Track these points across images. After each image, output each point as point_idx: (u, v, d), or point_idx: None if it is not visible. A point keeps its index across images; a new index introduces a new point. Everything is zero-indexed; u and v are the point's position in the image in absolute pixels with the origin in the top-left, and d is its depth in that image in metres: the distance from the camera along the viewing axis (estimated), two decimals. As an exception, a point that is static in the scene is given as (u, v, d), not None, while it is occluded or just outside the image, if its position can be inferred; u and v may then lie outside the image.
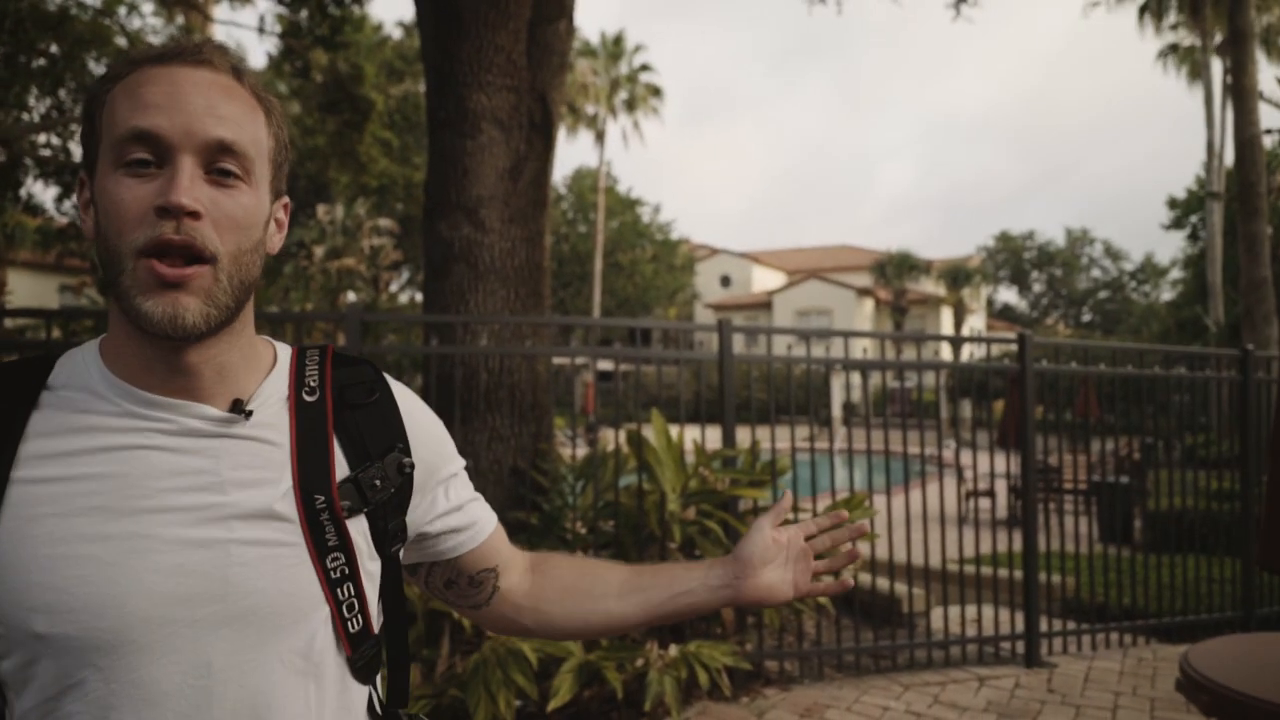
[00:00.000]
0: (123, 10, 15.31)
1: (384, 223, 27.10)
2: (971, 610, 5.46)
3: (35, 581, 0.76)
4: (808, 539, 1.16)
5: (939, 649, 4.83)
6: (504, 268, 4.74)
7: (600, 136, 35.73)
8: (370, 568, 0.91)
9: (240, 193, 0.84)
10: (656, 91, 36.00)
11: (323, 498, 0.87)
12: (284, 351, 0.95)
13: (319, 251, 25.61)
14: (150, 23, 16.28)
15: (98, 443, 0.81)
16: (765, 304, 39.77)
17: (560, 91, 5.13)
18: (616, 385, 4.47)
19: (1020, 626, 4.96)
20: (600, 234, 35.54)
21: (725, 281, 45.56)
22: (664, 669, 3.81)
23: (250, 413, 0.87)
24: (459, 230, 4.70)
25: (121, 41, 15.13)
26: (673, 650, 3.88)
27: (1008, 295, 64.71)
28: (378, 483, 0.92)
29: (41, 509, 0.78)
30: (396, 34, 28.97)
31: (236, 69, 0.87)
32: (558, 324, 4.69)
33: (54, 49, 14.32)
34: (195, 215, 0.80)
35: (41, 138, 15.60)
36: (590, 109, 34.67)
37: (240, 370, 0.89)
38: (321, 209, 26.25)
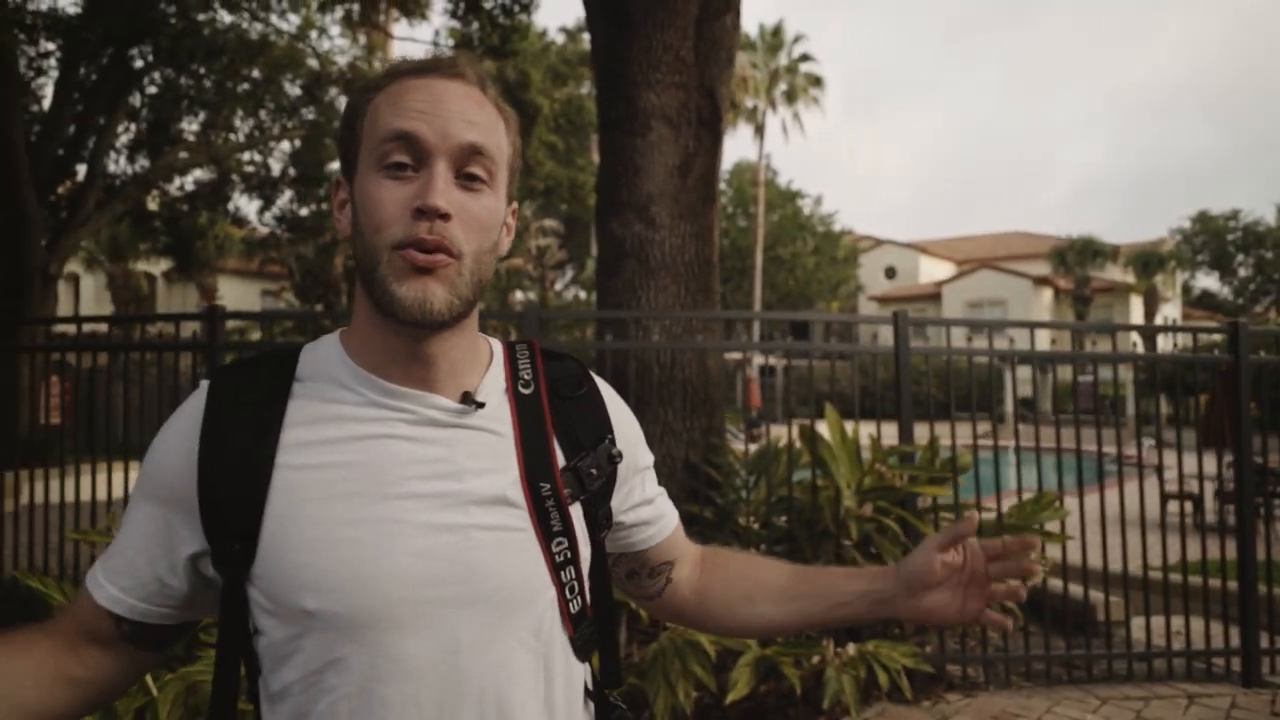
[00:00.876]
0: (314, 34, 16.47)
1: (549, 223, 27.94)
2: (1176, 621, 5.05)
3: (303, 562, 0.82)
4: (991, 559, 1.04)
5: (1140, 661, 4.50)
6: (674, 263, 4.78)
7: (760, 130, 35.42)
8: (585, 552, 0.95)
9: (484, 196, 0.89)
10: (817, 81, 35.33)
11: (548, 485, 0.92)
12: (497, 346, 1.01)
13: (489, 253, 26.64)
14: (338, 44, 17.41)
15: (348, 431, 0.87)
16: (933, 295, 38.28)
17: (727, 86, 5.12)
18: (778, 381, 4.42)
19: (1235, 641, 4.56)
20: (760, 228, 35.24)
21: (890, 273, 44.18)
22: (842, 667, 3.74)
23: (483, 404, 0.92)
24: (630, 228, 4.78)
25: (313, 63, 16.29)
26: (851, 649, 3.81)
27: (1207, 281, 59.32)
28: (594, 471, 0.97)
29: (304, 493, 0.84)
30: (560, 39, 29.78)
31: (483, 81, 0.93)
32: (728, 318, 4.69)
33: (255, 74, 15.55)
34: (446, 217, 0.85)
35: (245, 155, 17.03)
36: (749, 102, 34.43)
37: (467, 363, 0.94)
38: (491, 212, 27.28)
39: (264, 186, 17.37)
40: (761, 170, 36.01)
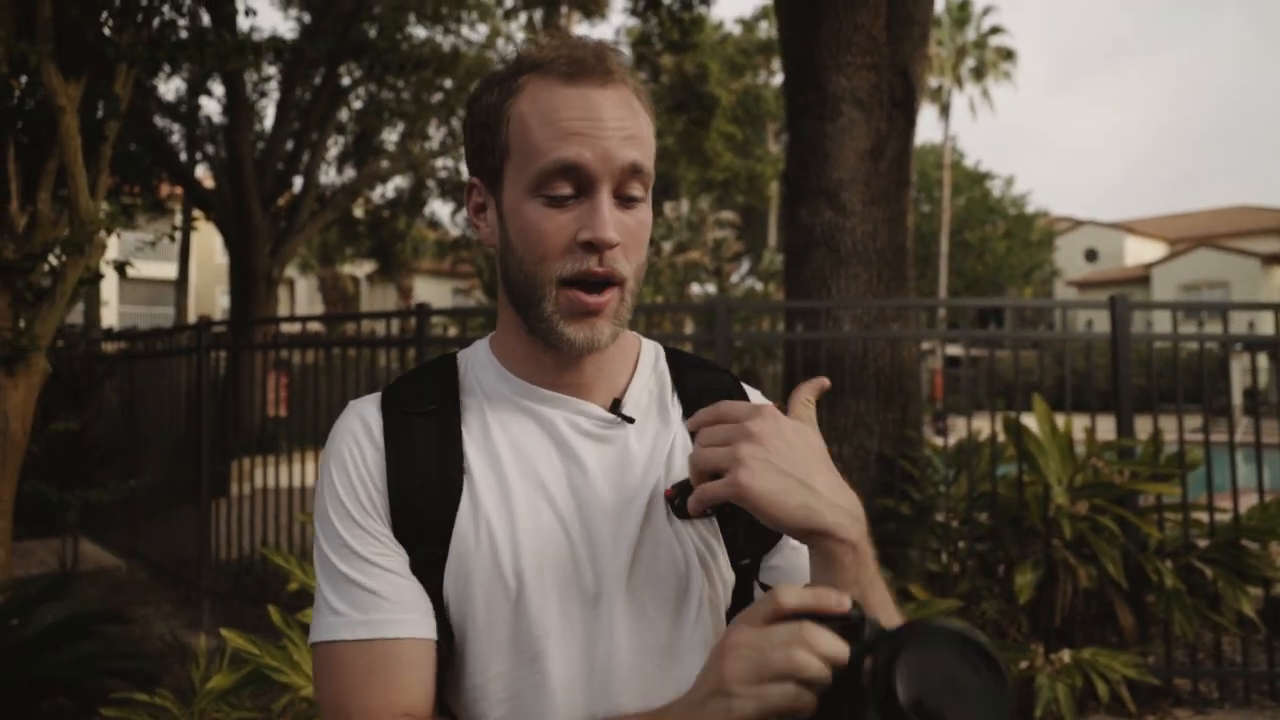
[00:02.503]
0: (501, 41, 17.18)
1: (726, 215, 27.89)
2: None
3: (480, 567, 0.85)
4: None
5: None
6: (866, 251, 4.64)
7: (945, 110, 33.89)
8: (726, 576, 0.91)
9: (641, 210, 0.88)
10: (1009, 55, 33.39)
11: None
12: (646, 346, 1.00)
13: (667, 247, 26.99)
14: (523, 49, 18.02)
15: (508, 439, 0.89)
16: (1141, 279, 35.30)
17: (922, 64, 4.91)
18: (964, 373, 4.20)
19: None
20: (946, 212, 33.72)
21: (1091, 256, 41.14)
22: (1055, 674, 3.51)
23: (632, 420, 0.92)
24: (820, 215, 4.68)
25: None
26: (1066, 655, 3.57)
27: None
28: None
29: (481, 498, 0.86)
30: (736, 30, 29.64)
31: (629, 76, 0.88)
32: (924, 306, 4.51)
33: (448, 84, 16.44)
34: (612, 248, 0.84)
35: (439, 162, 18.04)
36: (934, 81, 32.99)
37: (615, 365, 0.94)
38: (668, 206, 27.65)
39: (456, 191, 18.32)
40: (947, 152, 34.43)
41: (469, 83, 16.51)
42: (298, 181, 13.99)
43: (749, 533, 0.91)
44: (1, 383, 3.50)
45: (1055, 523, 3.85)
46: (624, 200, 0.86)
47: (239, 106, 12.37)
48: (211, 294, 30.47)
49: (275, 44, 5.06)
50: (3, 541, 3.59)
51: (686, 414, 0.95)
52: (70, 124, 3.41)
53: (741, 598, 0.92)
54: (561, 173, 0.82)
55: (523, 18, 16.74)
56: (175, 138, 13.69)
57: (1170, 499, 4.06)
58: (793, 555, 0.92)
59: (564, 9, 17.08)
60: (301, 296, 32.54)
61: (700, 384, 0.98)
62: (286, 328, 6.27)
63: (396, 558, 0.85)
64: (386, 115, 15.45)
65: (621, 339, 0.95)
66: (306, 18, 13.30)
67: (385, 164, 16.64)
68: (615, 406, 0.92)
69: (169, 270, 26.76)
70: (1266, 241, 33.71)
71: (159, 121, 12.73)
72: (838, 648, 0.64)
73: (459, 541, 0.85)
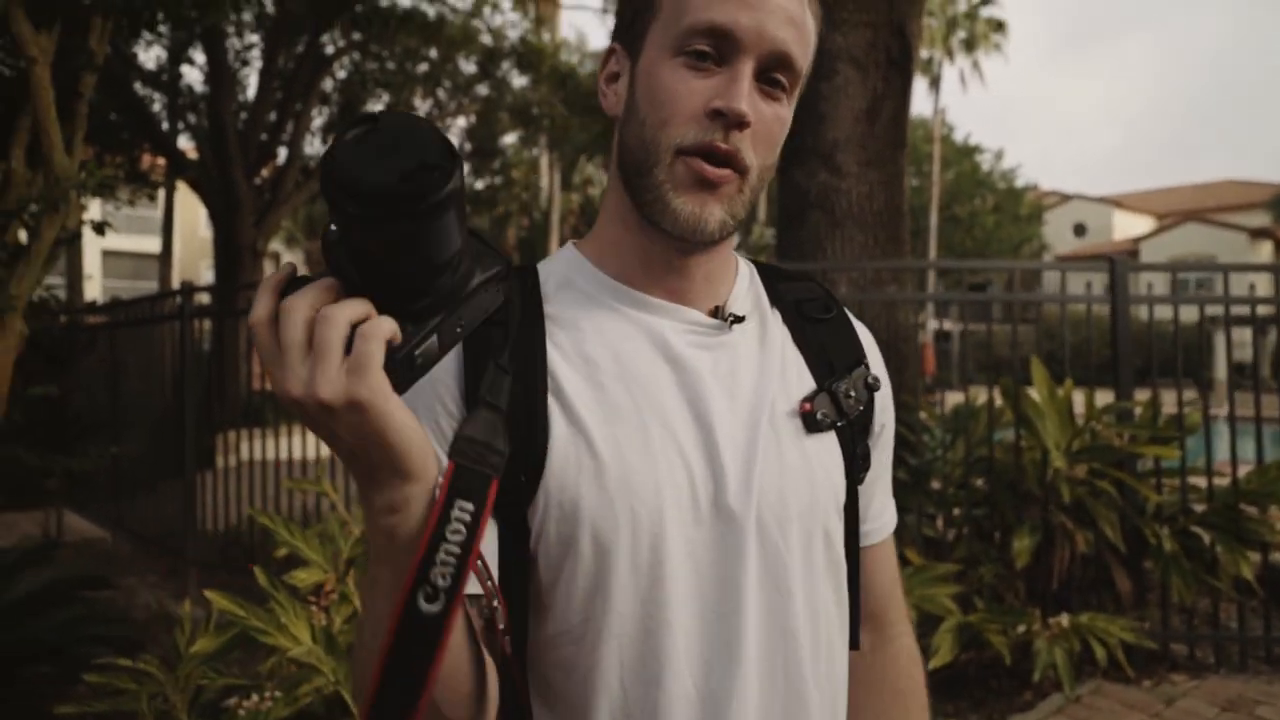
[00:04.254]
0: (488, 9, 16.94)
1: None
2: None
3: (584, 494, 0.76)
4: None
5: (1406, 648, 3.96)
6: (862, 213, 4.57)
7: (935, 82, 33.74)
8: (841, 497, 0.85)
9: (781, 106, 0.80)
10: (999, 26, 33.22)
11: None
12: (742, 262, 0.92)
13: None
14: (509, 17, 17.91)
15: (605, 349, 0.80)
16: (1129, 253, 35.35)
17: (918, 22, 4.82)
18: (953, 346, 4.14)
19: None
20: (936, 186, 33.66)
21: (1079, 230, 41.22)
22: (1053, 639, 3.49)
23: (741, 318, 0.84)
24: (815, 177, 4.60)
25: (486, 39, 16.80)
26: (1064, 619, 3.54)
27: None
28: (852, 394, 0.86)
29: (577, 417, 0.77)
30: None
31: None
32: (919, 268, 4.44)
33: (433, 53, 16.21)
34: (746, 125, 0.76)
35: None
36: (924, 53, 32.81)
37: (719, 277, 0.86)
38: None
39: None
40: (937, 125, 34.30)
41: (454, 53, 16.30)
42: (282, 152, 13.80)
43: (863, 452, 0.87)
44: (-24, 345, 3.40)
45: (1053, 487, 3.81)
46: (767, 85, 0.78)
47: (221, 75, 12.17)
48: (195, 268, 30.19)
49: None
50: (-20, 508, 3.49)
51: (786, 322, 0.88)
52: (42, 76, 3.29)
53: (850, 519, 0.86)
54: (708, 34, 0.76)
55: (510, -14, 16.46)
56: (157, 107, 13.46)
57: (1169, 464, 4.03)
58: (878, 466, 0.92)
59: (552, -23, 16.81)
60: (287, 271, 32.26)
61: (795, 293, 0.91)
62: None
63: None
64: (371, 85, 15.21)
65: (728, 255, 0.88)
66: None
67: (370, 135, 16.41)
68: (717, 313, 0.84)
69: (152, 244, 26.51)
70: (1254, 216, 33.82)
71: (140, 90, 12.50)
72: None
73: (556, 465, 0.75)
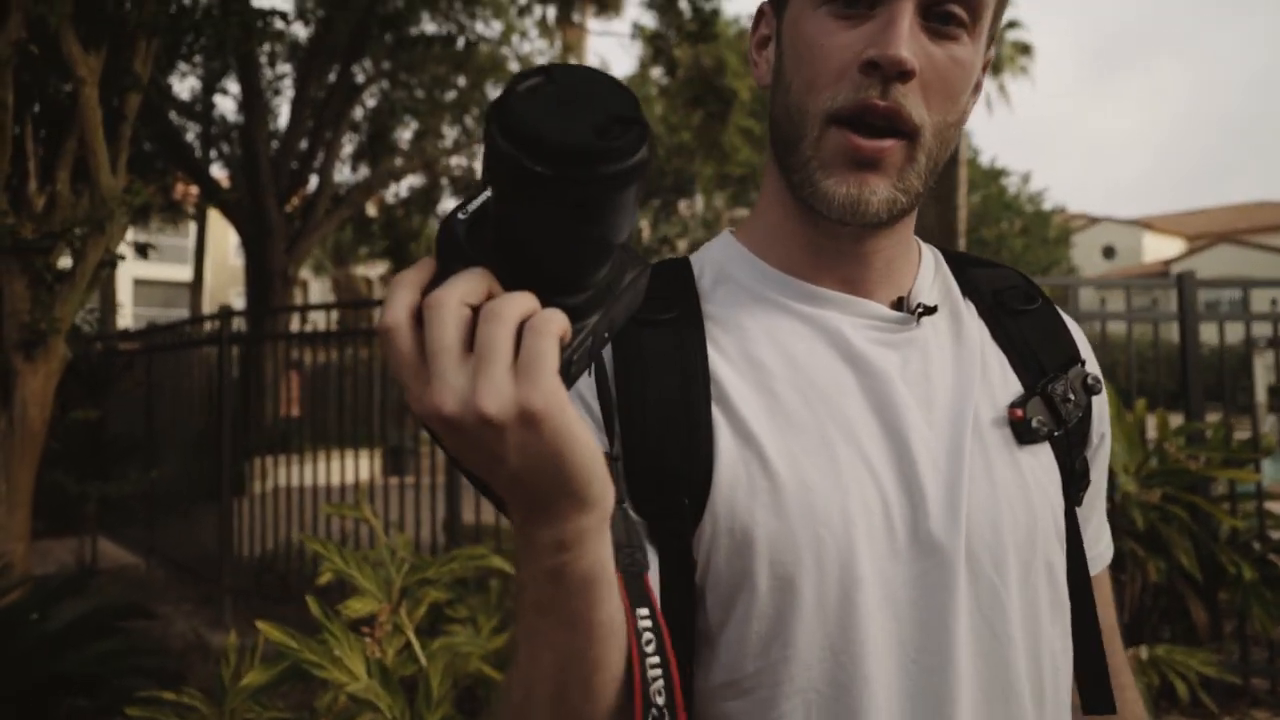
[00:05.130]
0: (516, 37, 17.07)
1: (741, 213, 27.76)
2: None
3: (760, 519, 0.64)
4: None
5: None
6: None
7: (960, 106, 33.62)
8: (1060, 520, 0.72)
9: (960, 47, 0.66)
10: (1025, 50, 33.12)
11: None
12: (925, 248, 0.80)
13: (682, 245, 26.85)
14: (536, 45, 18.06)
15: (775, 350, 0.69)
16: (1159, 275, 34.95)
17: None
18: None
19: None
20: (962, 209, 33.40)
21: (1108, 253, 40.80)
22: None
23: (931, 309, 0.72)
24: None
25: (514, 66, 16.92)
26: (1142, 652, 3.37)
27: None
28: (1070, 397, 0.72)
29: (748, 430, 0.66)
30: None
31: None
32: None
33: (461, 81, 16.36)
34: (908, 75, 0.63)
35: (453, 160, 17.95)
36: (949, 78, 32.75)
37: (901, 263, 0.74)
38: (683, 205, 27.51)
39: (469, 189, 18.22)
40: (964, 148, 34.13)
41: (483, 80, 16.42)
42: (313, 180, 13.91)
43: (1082, 466, 0.73)
44: (19, 369, 3.36)
45: (1124, 512, 3.64)
46: (936, 22, 0.65)
47: (254, 104, 12.29)
48: (226, 296, 30.51)
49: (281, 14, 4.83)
50: (20, 534, 3.44)
51: (982, 315, 0.75)
52: (90, 96, 3.26)
53: (1073, 543, 0.73)
54: None
55: (537, 12, 16.60)
56: (191, 136, 13.62)
57: (1244, 488, 3.86)
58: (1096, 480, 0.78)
59: (578, 4, 16.93)
60: (315, 298, 32.55)
61: (991, 282, 0.78)
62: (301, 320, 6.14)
63: None
64: (400, 113, 15.36)
65: (909, 238, 0.75)
66: (322, 12, 13.25)
67: (399, 162, 16.55)
68: (899, 305, 0.73)
69: (182, 272, 26.81)
70: (1288, 237, 33.30)
71: (175, 120, 12.66)
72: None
73: (725, 485, 0.64)
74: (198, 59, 10.36)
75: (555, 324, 0.44)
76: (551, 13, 17.28)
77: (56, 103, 3.59)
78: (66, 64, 3.17)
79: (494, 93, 17.08)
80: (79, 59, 3.15)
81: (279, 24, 4.40)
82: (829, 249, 0.71)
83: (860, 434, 0.67)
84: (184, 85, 13.41)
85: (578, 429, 0.45)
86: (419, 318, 0.44)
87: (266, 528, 5.30)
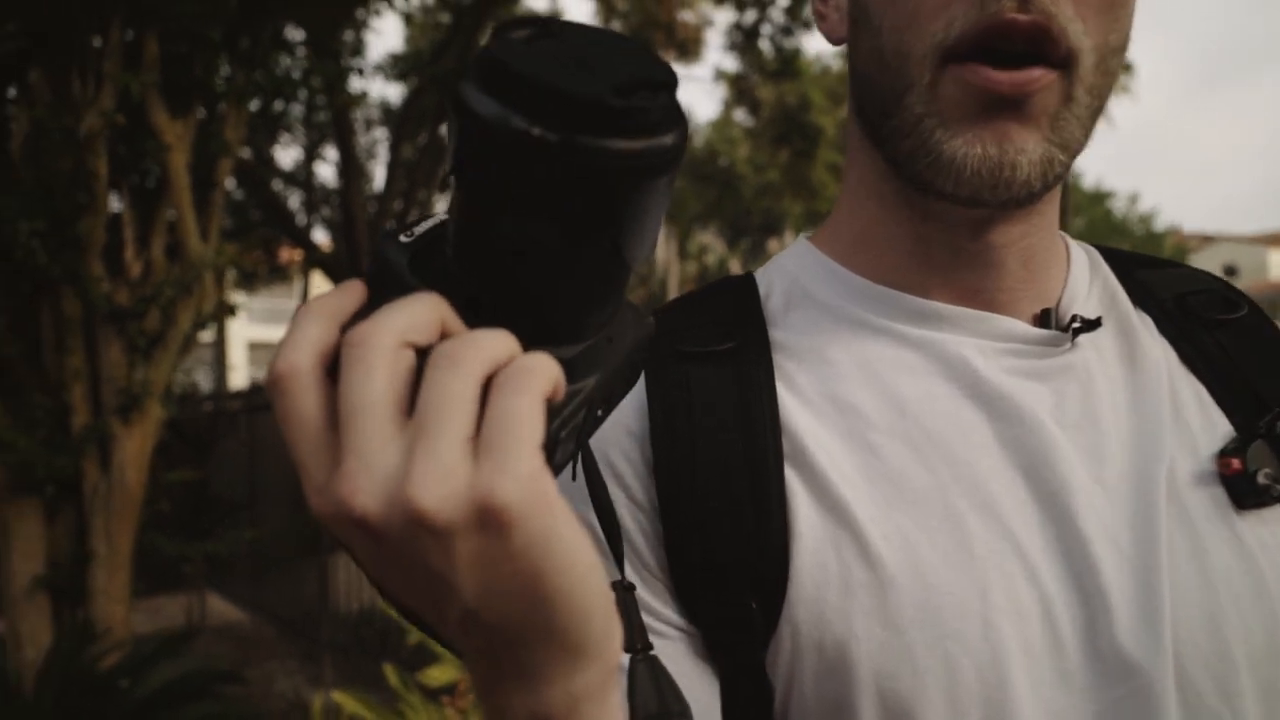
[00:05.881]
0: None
1: (833, 250, 27.52)
2: None
3: (858, 629, 0.48)
4: None
5: None
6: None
7: (1058, 128, 32.64)
8: None
9: None
10: (1127, 68, 31.99)
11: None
12: (1072, 241, 0.60)
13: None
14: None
15: (873, 388, 0.51)
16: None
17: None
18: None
19: None
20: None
21: (1229, 272, 38.59)
22: None
23: (1093, 323, 0.52)
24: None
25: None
26: None
27: None
28: None
29: (836, 501, 0.48)
30: (835, 65, 29.37)
31: None
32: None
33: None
34: None
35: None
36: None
37: (1045, 261, 0.55)
38: (773, 243, 27.35)
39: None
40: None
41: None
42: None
43: None
44: (117, 433, 3.42)
45: None
46: None
47: (351, 168, 12.76)
48: (332, 355, 31.66)
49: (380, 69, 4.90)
50: (120, 596, 3.48)
51: (1163, 331, 0.55)
52: (178, 162, 3.34)
53: None
54: None
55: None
56: (294, 203, 14.25)
57: None
58: None
59: (658, 51, 17.17)
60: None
61: (1171, 285, 0.58)
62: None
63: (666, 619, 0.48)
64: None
65: (1053, 223, 0.56)
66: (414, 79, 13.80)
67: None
68: (1045, 319, 0.54)
69: (292, 334, 27.94)
70: None
71: (278, 188, 13.28)
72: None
73: (807, 579, 0.47)
74: (297, 128, 10.82)
75: (541, 376, 0.29)
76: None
77: (151, 174, 3.70)
78: (152, 130, 3.26)
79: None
80: (165, 126, 3.24)
81: (365, 81, 4.47)
82: (942, 248, 0.53)
83: (1002, 503, 0.49)
84: (287, 155, 14.04)
85: (569, 536, 0.29)
86: (334, 364, 0.29)
87: (365, 582, 5.30)
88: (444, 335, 0.30)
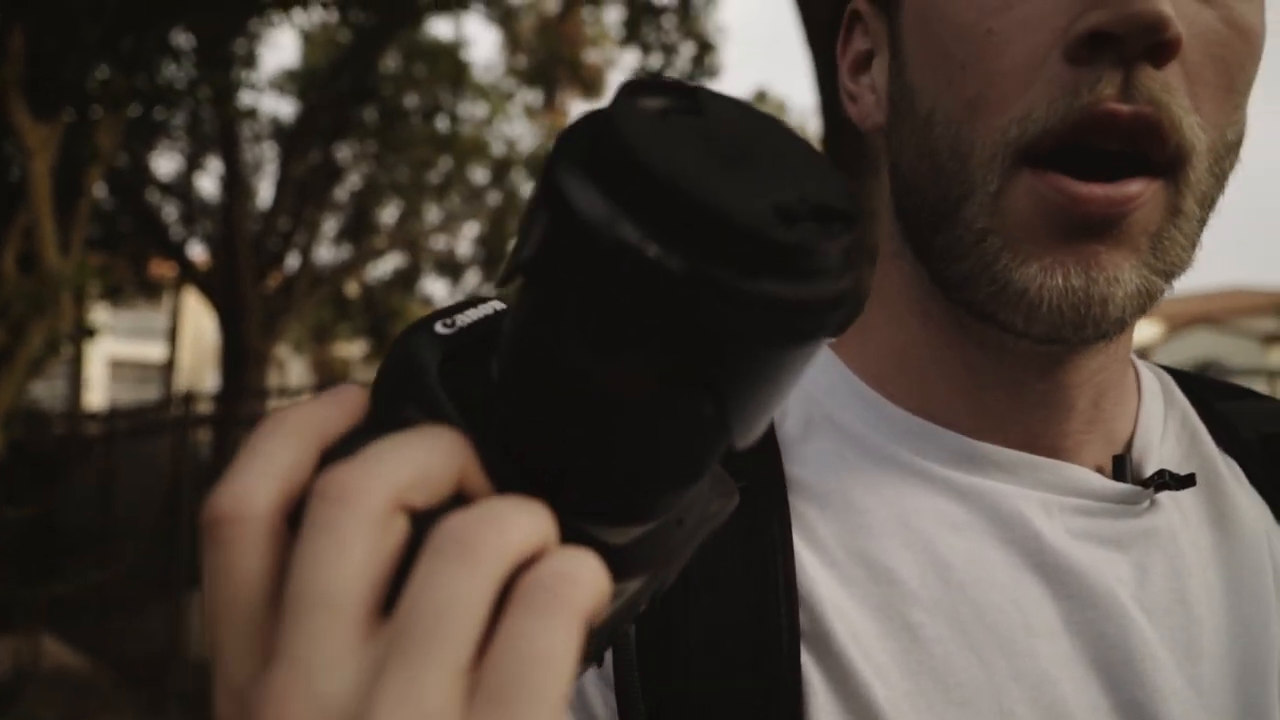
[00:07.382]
0: (498, 121, 17.28)
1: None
2: None
3: None
4: None
5: None
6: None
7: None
8: None
9: (1238, 3, 0.39)
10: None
11: None
12: (1141, 364, 0.52)
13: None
14: (518, 129, 18.27)
15: (913, 548, 0.42)
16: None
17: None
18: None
19: None
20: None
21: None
22: None
23: (1184, 479, 0.43)
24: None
25: (499, 148, 17.14)
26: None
27: None
28: None
29: (884, 688, 0.39)
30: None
31: None
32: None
33: (448, 161, 16.56)
34: (1172, 46, 0.36)
35: (435, 240, 18.02)
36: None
37: (1116, 398, 0.46)
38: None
39: (450, 269, 18.29)
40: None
41: (466, 163, 16.58)
42: (292, 258, 13.84)
43: None
44: (-52, 458, 3.07)
45: None
46: None
47: (236, 182, 12.24)
48: (201, 376, 30.11)
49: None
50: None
51: (1253, 481, 0.46)
52: (39, 169, 3.06)
53: None
54: None
55: (521, 98, 16.90)
56: (170, 215, 13.58)
57: None
58: None
59: (559, 89, 17.22)
60: (293, 378, 32.24)
61: (1259, 422, 0.49)
62: (277, 403, 5.89)
63: None
64: (384, 194, 15.50)
65: (1126, 343, 0.46)
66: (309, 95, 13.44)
67: (381, 243, 16.56)
68: (1120, 468, 0.44)
69: (157, 352, 26.45)
70: (1261, 321, 33.82)
71: (153, 199, 12.63)
72: None
73: None
74: (180, 136, 10.33)
75: (584, 590, 0.20)
76: (535, 98, 17.54)
77: (6, 175, 3.39)
78: (12, 130, 2.98)
79: (478, 174, 17.24)
80: (27, 128, 2.96)
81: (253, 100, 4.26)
82: (1005, 383, 0.43)
83: (1072, 711, 0.39)
84: (165, 164, 13.41)
85: None
86: (297, 510, 0.21)
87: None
88: (461, 495, 0.22)
